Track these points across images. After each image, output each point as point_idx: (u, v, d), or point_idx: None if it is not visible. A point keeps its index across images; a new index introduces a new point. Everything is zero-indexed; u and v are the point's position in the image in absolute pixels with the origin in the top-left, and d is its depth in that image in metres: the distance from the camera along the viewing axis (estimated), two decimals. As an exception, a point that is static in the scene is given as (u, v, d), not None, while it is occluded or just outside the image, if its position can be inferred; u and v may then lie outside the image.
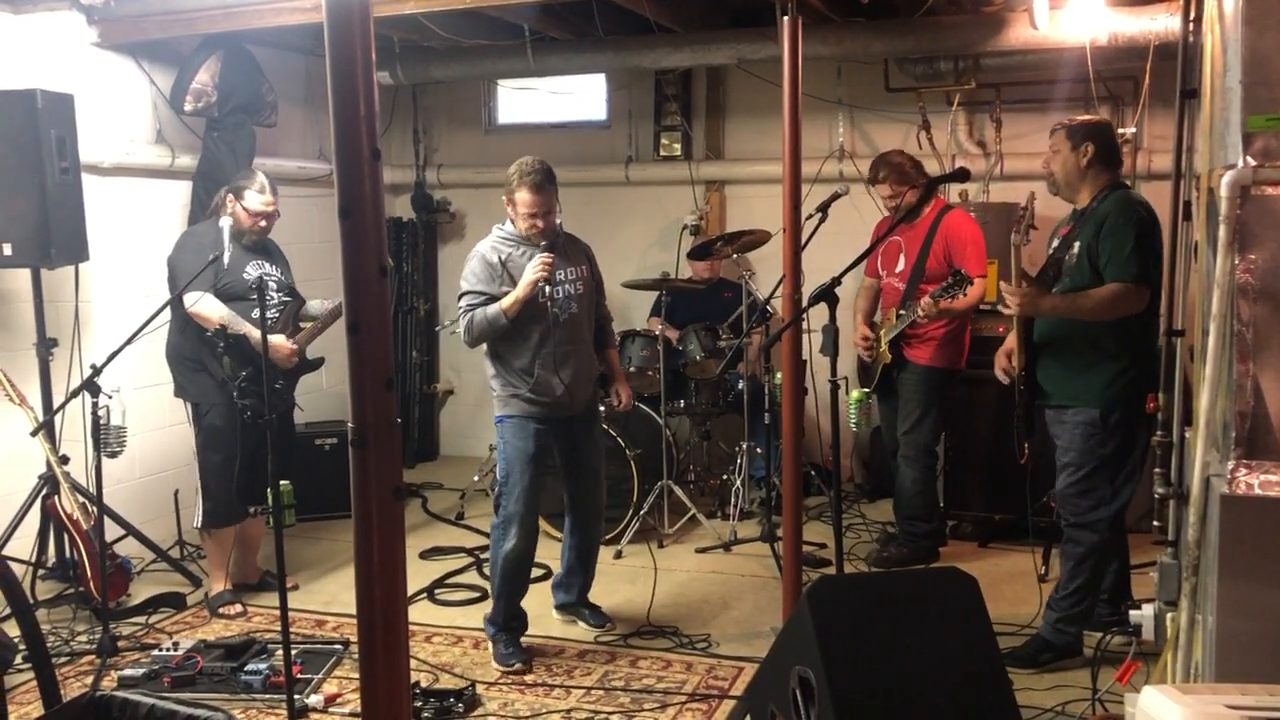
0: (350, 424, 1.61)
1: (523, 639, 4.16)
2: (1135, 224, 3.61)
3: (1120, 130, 5.70)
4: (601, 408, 4.41)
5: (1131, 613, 3.02)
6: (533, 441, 4.01)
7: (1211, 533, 2.52)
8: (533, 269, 3.89)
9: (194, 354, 4.51)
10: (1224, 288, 2.49)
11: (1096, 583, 3.87)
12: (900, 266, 4.99)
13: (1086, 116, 3.99)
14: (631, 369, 5.62)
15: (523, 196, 3.95)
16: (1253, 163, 2.46)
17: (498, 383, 4.06)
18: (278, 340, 4.45)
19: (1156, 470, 2.96)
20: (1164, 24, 4.91)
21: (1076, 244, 3.73)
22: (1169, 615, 2.85)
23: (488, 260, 4.00)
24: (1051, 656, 3.86)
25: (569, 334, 4.03)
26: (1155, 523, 2.97)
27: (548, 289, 3.93)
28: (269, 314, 3.99)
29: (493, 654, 4.09)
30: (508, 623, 4.11)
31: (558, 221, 4.08)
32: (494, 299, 3.94)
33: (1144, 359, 3.63)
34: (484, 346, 4.08)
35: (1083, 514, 3.77)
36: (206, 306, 4.37)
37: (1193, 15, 3.01)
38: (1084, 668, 3.68)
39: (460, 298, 4.01)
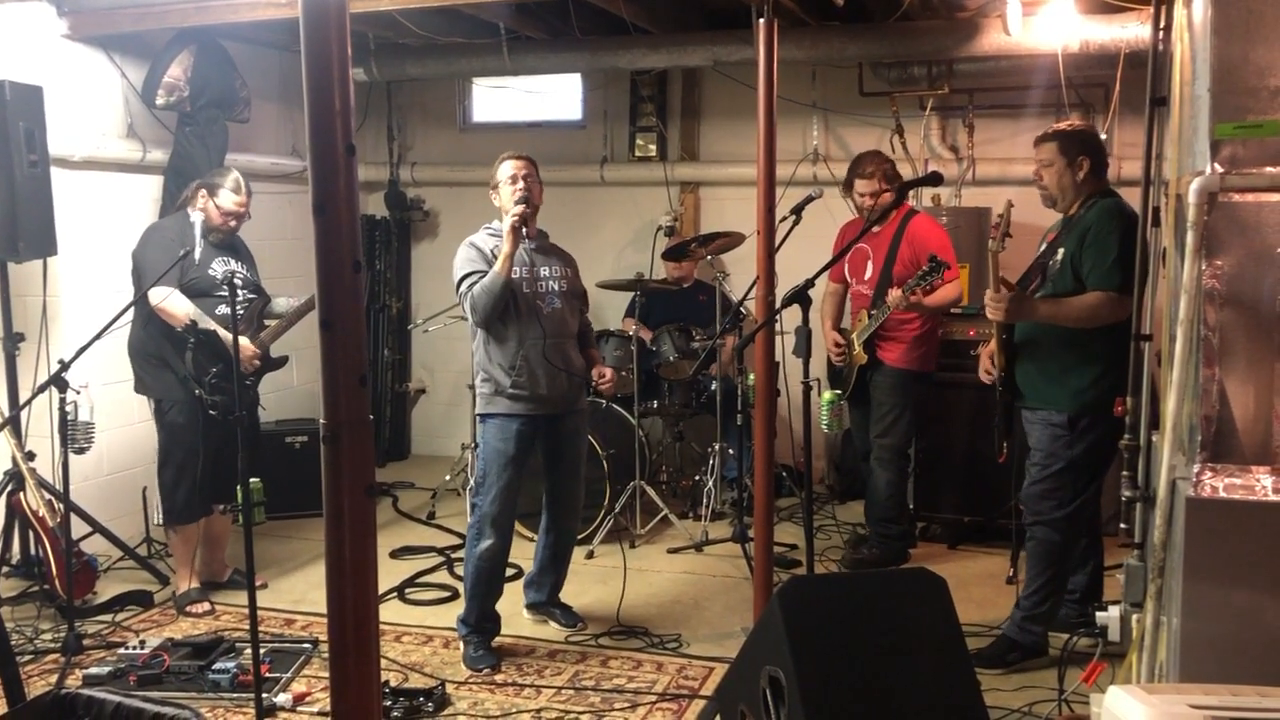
0: (322, 421, 1.60)
1: (494, 641, 4.15)
2: (1120, 233, 3.61)
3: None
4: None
5: (1098, 614, 3.05)
6: (513, 443, 4.02)
7: (1177, 535, 2.55)
8: (509, 216, 3.94)
9: (156, 350, 4.47)
10: (1191, 293, 2.52)
11: (1060, 582, 3.91)
12: (869, 274, 5.02)
13: (1071, 123, 3.98)
14: (605, 369, 5.62)
15: (506, 165, 4.06)
16: (1220, 170, 2.49)
17: (481, 379, 4.09)
18: (241, 342, 4.42)
19: (1124, 473, 2.99)
20: (1134, 32, 4.97)
21: (1061, 250, 3.76)
22: (1135, 616, 2.88)
23: (477, 246, 4.07)
24: (1018, 656, 3.89)
25: (553, 329, 4.06)
26: (1122, 525, 3.00)
27: (531, 270, 4.03)
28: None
29: (463, 655, 4.08)
30: (480, 624, 4.10)
31: (544, 231, 4.22)
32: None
33: (1119, 367, 3.66)
34: (476, 344, 4.10)
35: (1044, 514, 3.81)
36: (174, 303, 4.33)
37: (1163, 24, 3.05)
38: (1050, 668, 3.72)
39: (459, 284, 4.03)
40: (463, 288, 4.02)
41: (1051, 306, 3.74)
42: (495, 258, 3.99)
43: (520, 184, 4.01)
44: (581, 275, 4.40)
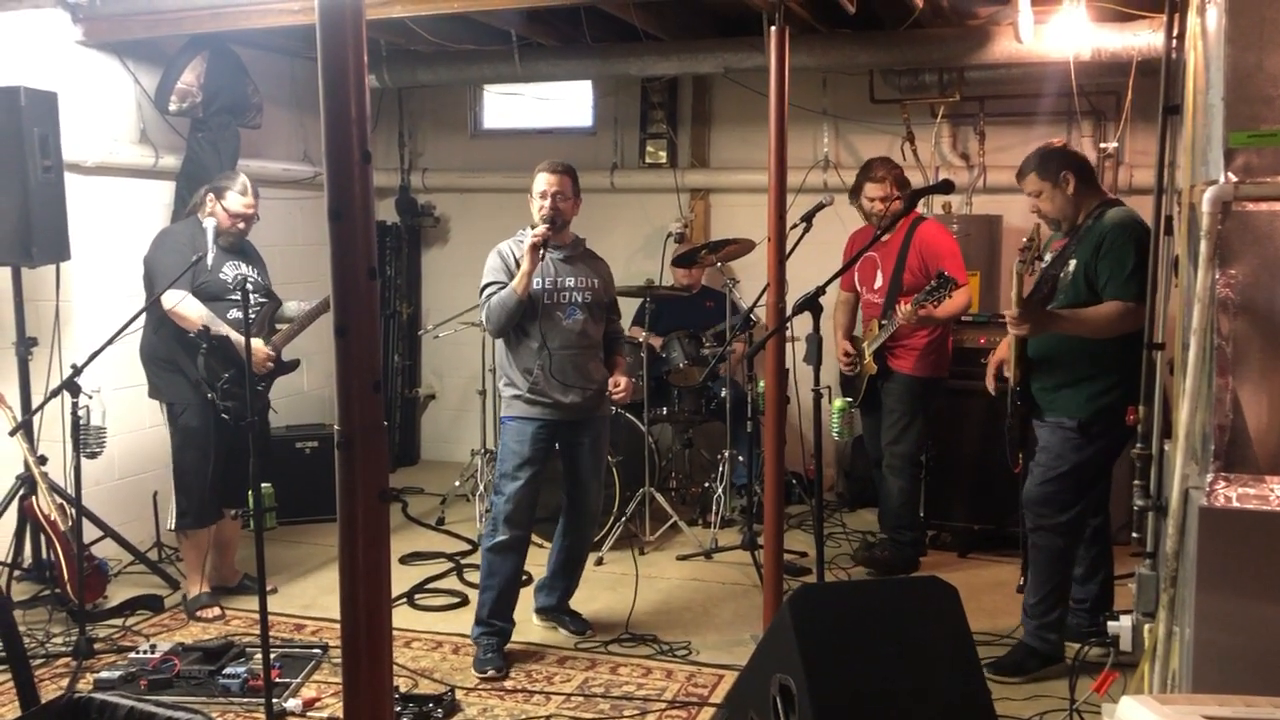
0: (336, 426, 1.60)
1: (505, 646, 4.14)
2: (1135, 244, 3.61)
3: (1102, 145, 5.77)
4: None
5: (1110, 624, 3.04)
6: (528, 445, 4.06)
7: (1190, 545, 2.54)
8: (530, 237, 3.96)
9: (168, 354, 4.48)
10: (1205, 302, 2.51)
11: (1065, 588, 3.90)
12: (879, 283, 5.01)
13: (1042, 146, 3.95)
14: (615, 375, 5.64)
15: (539, 178, 4.09)
16: (1234, 179, 2.49)
17: (505, 383, 4.14)
18: (254, 344, 4.44)
19: (1136, 482, 2.98)
20: (1147, 40, 4.96)
21: (1072, 262, 3.75)
22: (1147, 626, 2.87)
23: (502, 254, 4.11)
24: (1037, 664, 3.88)
25: (571, 341, 4.08)
26: (1134, 534, 2.99)
27: (554, 281, 4.07)
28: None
29: (474, 656, 4.09)
30: (490, 620, 4.10)
31: (580, 238, 4.27)
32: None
33: (1133, 376, 3.65)
34: (499, 346, 4.17)
35: (1046, 517, 3.80)
36: (188, 307, 4.34)
37: (1176, 32, 3.04)
38: (1062, 678, 3.70)
39: (480, 292, 4.10)
40: (482, 297, 4.07)
41: (1073, 317, 3.73)
42: (519, 263, 4.00)
43: (548, 201, 4.02)
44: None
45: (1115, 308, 3.64)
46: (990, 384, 4.11)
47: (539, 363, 4.03)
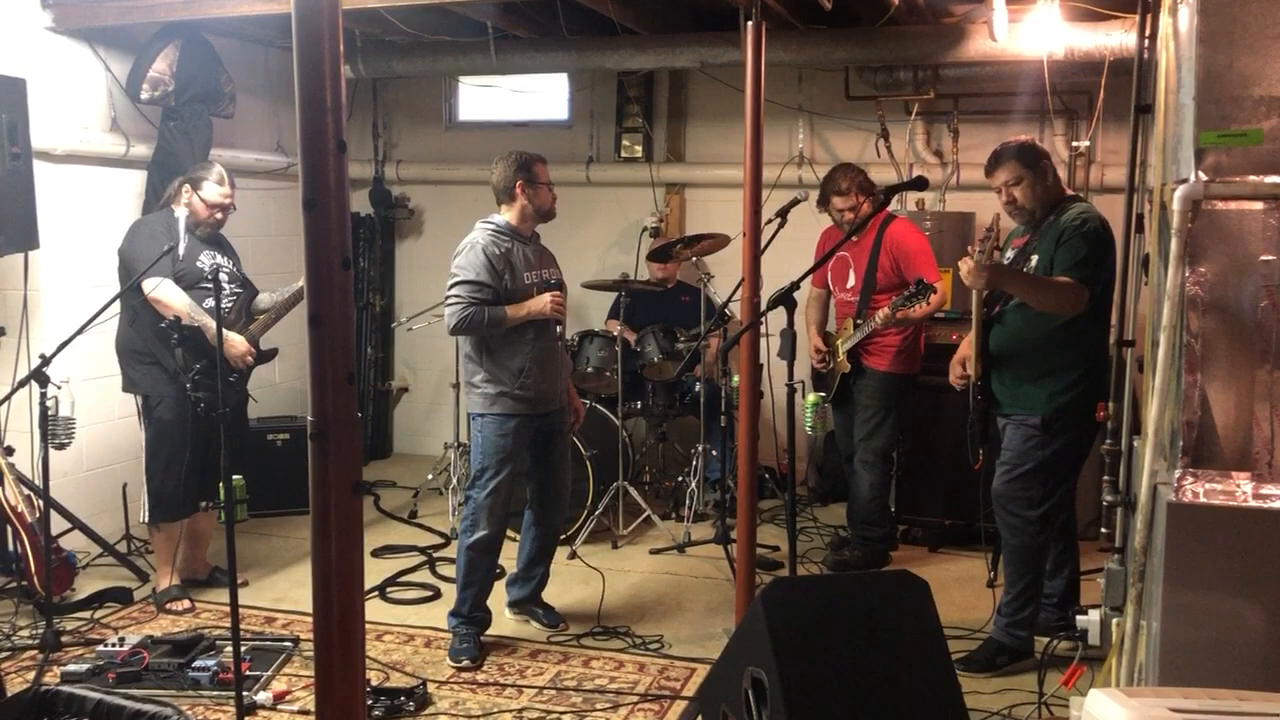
0: (310, 418, 1.59)
1: (481, 636, 4.15)
2: (1092, 235, 3.68)
3: (1074, 144, 5.81)
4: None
5: (1078, 618, 3.07)
6: (511, 439, 4.06)
7: (1158, 540, 2.57)
8: (547, 305, 4.03)
9: (144, 346, 4.44)
10: (1174, 300, 2.54)
11: (1038, 584, 3.94)
12: (851, 282, 5.02)
13: (1008, 140, 3.97)
14: (589, 369, 5.64)
15: (543, 168, 4.12)
16: (1204, 178, 2.51)
17: (482, 379, 4.06)
18: (235, 338, 4.42)
19: (1105, 478, 3.01)
20: (1119, 40, 5.00)
21: (1035, 257, 3.78)
22: (1115, 620, 2.90)
23: (490, 252, 4.01)
24: (1007, 659, 3.91)
25: (553, 331, 4.12)
26: (1103, 529, 3.02)
27: (536, 274, 4.13)
28: (223, 305, 3.93)
29: (449, 647, 4.08)
30: (471, 614, 4.10)
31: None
32: (496, 293, 3.98)
33: (1094, 373, 3.70)
34: (467, 345, 4.11)
35: (1016, 514, 3.83)
36: (167, 293, 4.30)
37: (1148, 32, 3.07)
38: (1031, 671, 3.74)
39: (454, 285, 3.98)
40: (458, 292, 3.96)
41: (1026, 278, 3.76)
42: (507, 268, 3.99)
43: (551, 190, 4.10)
44: (568, 275, 4.45)
45: (1066, 281, 3.67)
46: (953, 379, 4.13)
47: (532, 357, 4.03)
